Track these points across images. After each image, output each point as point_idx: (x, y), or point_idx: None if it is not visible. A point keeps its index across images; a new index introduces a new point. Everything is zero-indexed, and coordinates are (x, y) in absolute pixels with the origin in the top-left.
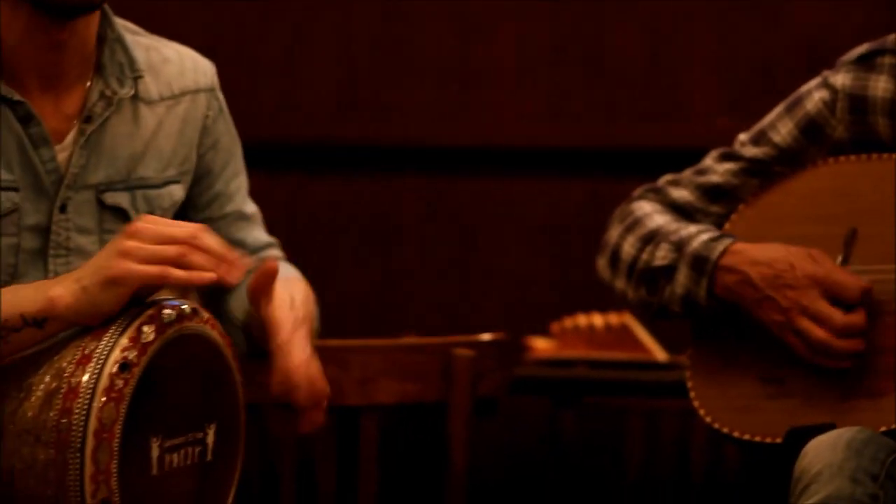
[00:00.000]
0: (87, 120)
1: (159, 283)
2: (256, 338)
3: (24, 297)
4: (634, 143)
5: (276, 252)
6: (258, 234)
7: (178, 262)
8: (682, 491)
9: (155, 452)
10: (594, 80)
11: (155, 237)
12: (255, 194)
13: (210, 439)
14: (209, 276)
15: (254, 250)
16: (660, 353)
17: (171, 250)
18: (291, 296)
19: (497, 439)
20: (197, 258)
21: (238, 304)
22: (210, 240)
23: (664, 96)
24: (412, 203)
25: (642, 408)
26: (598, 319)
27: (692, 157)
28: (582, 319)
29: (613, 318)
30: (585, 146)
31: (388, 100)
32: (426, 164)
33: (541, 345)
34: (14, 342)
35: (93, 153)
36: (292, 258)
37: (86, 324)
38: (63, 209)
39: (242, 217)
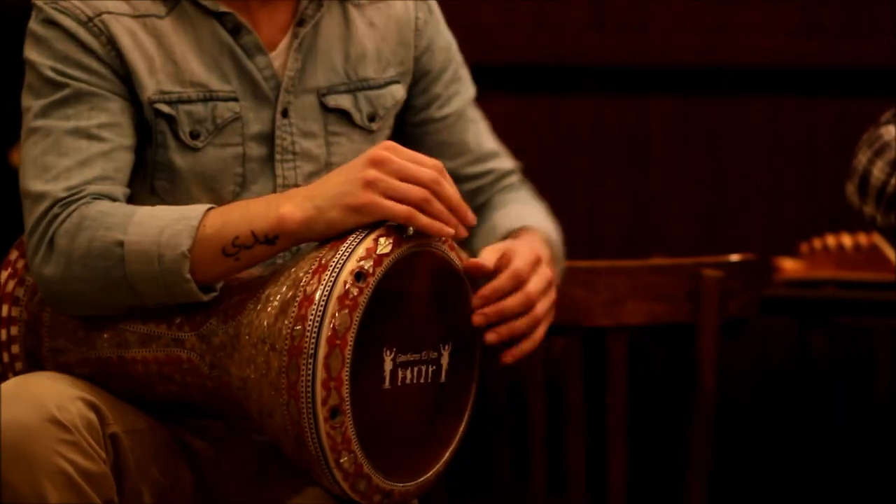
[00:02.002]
0: (300, 23)
1: (402, 224)
2: None
3: (255, 214)
4: (883, 62)
5: (501, 164)
6: (483, 140)
7: (422, 207)
8: None
9: (388, 366)
10: None
11: (400, 172)
12: (506, 116)
13: (445, 360)
14: (449, 230)
15: (478, 157)
16: None
17: (416, 192)
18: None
19: (745, 360)
20: (437, 207)
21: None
22: (450, 188)
23: None
24: (661, 123)
25: (892, 328)
26: (847, 239)
27: None
28: (831, 239)
29: (863, 238)
30: (834, 65)
31: (637, 20)
32: (675, 84)
33: (789, 265)
34: (245, 259)
35: (308, 56)
36: (544, 180)
37: (316, 240)
38: (285, 114)
39: (462, 118)
